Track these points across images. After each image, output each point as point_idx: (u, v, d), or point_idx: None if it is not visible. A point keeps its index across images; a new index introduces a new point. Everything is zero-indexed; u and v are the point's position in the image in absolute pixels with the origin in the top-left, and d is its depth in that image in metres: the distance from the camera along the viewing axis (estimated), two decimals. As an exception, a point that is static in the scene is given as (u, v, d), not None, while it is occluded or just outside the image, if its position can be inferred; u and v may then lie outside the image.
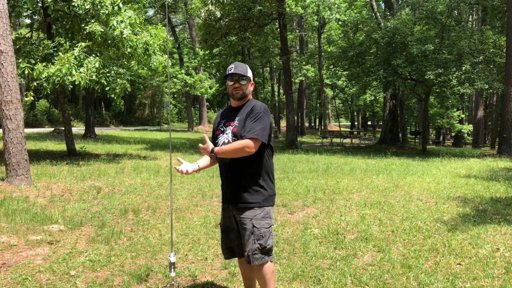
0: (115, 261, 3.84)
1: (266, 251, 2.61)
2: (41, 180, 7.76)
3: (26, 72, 9.22)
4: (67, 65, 8.75)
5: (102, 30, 9.43)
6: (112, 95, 10.04)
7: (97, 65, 9.20)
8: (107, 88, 9.92)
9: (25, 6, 9.77)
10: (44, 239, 4.40)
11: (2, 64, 7.12)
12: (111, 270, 3.63)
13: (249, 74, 2.72)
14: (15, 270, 3.59)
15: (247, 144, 2.53)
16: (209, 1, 18.25)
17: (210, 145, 2.59)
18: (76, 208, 5.76)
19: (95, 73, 9.21)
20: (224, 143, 2.66)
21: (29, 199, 6.25)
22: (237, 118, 2.70)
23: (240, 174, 2.64)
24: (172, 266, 2.96)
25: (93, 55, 9.75)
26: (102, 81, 9.45)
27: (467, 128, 28.23)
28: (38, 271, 3.58)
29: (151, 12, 38.07)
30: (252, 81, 2.78)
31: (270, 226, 2.66)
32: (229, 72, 2.70)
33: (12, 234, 4.55)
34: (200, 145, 2.62)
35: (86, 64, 9.09)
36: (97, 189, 7.07)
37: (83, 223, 5.03)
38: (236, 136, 2.62)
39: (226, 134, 2.70)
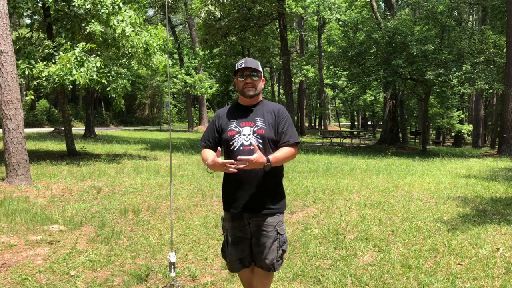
0: (115, 261, 3.84)
1: (283, 255, 2.62)
2: (41, 180, 7.76)
3: (27, 72, 9.23)
4: (68, 65, 8.76)
5: (103, 30, 9.43)
6: (113, 95, 10.05)
7: (98, 64, 9.21)
8: (108, 88, 9.93)
9: (25, 6, 9.78)
10: (44, 239, 4.40)
11: (2, 64, 7.12)
12: (111, 270, 3.63)
13: (260, 69, 2.55)
14: (15, 270, 3.59)
15: (295, 151, 2.50)
16: (209, 1, 18.27)
17: (260, 155, 2.29)
18: (76, 208, 5.76)
19: (96, 73, 9.22)
20: (243, 145, 2.45)
21: (29, 199, 6.25)
22: (258, 119, 2.50)
23: (266, 180, 2.47)
24: (172, 266, 2.95)
25: (94, 55, 9.76)
26: (103, 80, 9.46)
27: (467, 128, 28.25)
28: (38, 271, 3.57)
29: (151, 12, 38.12)
30: (263, 78, 2.59)
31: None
32: (239, 67, 2.49)
33: (12, 234, 4.55)
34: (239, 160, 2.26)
35: (87, 64, 9.11)
36: (97, 189, 7.07)
37: (83, 223, 5.03)
38: (264, 139, 2.45)
39: (244, 135, 2.46)
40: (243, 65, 2.49)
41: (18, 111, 7.33)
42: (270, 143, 2.47)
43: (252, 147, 2.36)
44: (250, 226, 2.55)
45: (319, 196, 6.76)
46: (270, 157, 2.36)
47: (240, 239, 2.55)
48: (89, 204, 6.03)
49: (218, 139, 2.56)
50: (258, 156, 2.28)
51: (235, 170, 2.31)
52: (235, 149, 2.45)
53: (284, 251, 2.58)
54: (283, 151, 2.45)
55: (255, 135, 2.45)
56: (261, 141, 2.44)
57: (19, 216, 5.22)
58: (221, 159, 2.33)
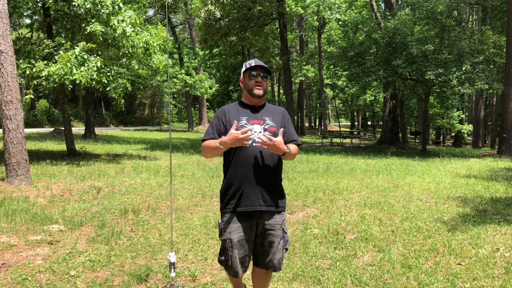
0: (115, 261, 3.84)
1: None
2: (41, 180, 7.76)
3: (27, 72, 9.23)
4: (68, 64, 8.77)
5: (103, 30, 9.43)
6: (114, 95, 10.05)
7: (98, 64, 9.22)
8: (108, 88, 9.94)
9: (26, 6, 9.78)
10: (44, 239, 4.40)
11: (2, 64, 7.12)
12: (111, 270, 3.63)
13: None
14: (15, 270, 3.59)
15: (298, 152, 2.59)
16: (209, 1, 18.27)
17: (282, 140, 2.34)
18: (76, 208, 5.76)
19: (96, 72, 9.22)
20: (255, 141, 2.41)
21: (29, 199, 6.25)
22: (267, 118, 2.51)
23: (274, 177, 2.51)
24: (172, 266, 2.96)
25: (94, 55, 9.76)
26: (103, 80, 9.46)
27: (467, 128, 28.25)
28: (38, 271, 3.57)
29: (151, 12, 38.12)
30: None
31: None
32: (249, 65, 2.47)
33: (12, 234, 4.55)
34: (270, 138, 2.29)
35: (87, 63, 9.11)
36: (97, 189, 7.07)
37: (83, 223, 5.03)
38: (276, 136, 2.40)
39: (255, 132, 2.42)
40: (253, 64, 2.47)
41: (18, 111, 7.32)
42: None
43: (260, 144, 2.39)
44: (257, 226, 2.50)
45: (319, 196, 6.76)
46: (289, 146, 2.42)
47: (245, 242, 2.48)
48: (89, 204, 6.03)
49: (225, 133, 2.43)
50: (281, 140, 2.32)
51: (248, 144, 2.34)
52: (247, 145, 2.41)
53: (287, 249, 2.59)
54: (293, 148, 2.49)
55: (267, 132, 2.43)
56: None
57: (19, 216, 5.22)
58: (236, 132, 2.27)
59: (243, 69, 2.53)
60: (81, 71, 8.96)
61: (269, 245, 2.50)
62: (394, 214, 5.58)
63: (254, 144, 2.41)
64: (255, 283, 2.71)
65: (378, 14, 21.44)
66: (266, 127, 2.46)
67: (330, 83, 38.61)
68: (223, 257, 2.52)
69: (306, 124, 46.72)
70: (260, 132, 2.43)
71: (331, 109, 50.74)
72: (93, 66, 9.14)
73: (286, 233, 2.55)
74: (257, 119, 2.48)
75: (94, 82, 9.38)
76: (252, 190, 2.42)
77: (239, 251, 2.47)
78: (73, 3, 9.26)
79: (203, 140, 2.51)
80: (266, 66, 2.50)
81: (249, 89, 2.49)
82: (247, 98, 2.56)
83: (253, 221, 2.48)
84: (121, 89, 10.05)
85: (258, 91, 2.48)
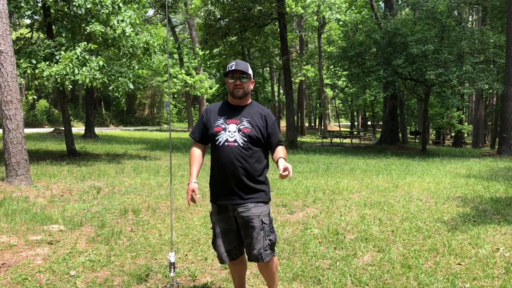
0: (115, 261, 3.84)
1: (273, 246, 2.70)
2: (41, 180, 7.76)
3: (28, 71, 9.23)
4: (70, 65, 8.77)
5: (103, 30, 9.43)
6: (116, 94, 10.06)
7: (101, 63, 9.21)
8: (110, 87, 9.94)
9: (26, 6, 9.78)
10: (44, 239, 4.40)
11: (2, 64, 7.12)
12: (111, 270, 3.63)
13: (250, 71, 2.68)
14: (15, 270, 3.59)
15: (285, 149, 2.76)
16: (209, 1, 18.26)
17: (286, 164, 2.47)
18: (76, 208, 5.76)
19: (98, 72, 9.21)
20: (227, 141, 2.60)
21: (29, 199, 6.25)
22: (244, 118, 2.65)
23: (248, 171, 2.61)
24: (172, 266, 2.96)
25: (94, 55, 9.77)
26: (105, 79, 9.46)
27: (467, 128, 28.25)
28: (38, 271, 3.57)
29: (151, 12, 38.10)
30: (252, 79, 2.73)
31: (272, 221, 2.75)
32: (230, 69, 2.63)
33: (12, 234, 4.55)
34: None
35: (89, 63, 9.10)
36: (97, 189, 7.07)
37: (83, 223, 5.03)
38: (249, 137, 2.61)
39: (229, 132, 2.61)
40: (233, 68, 2.63)
41: (18, 111, 7.32)
42: (254, 142, 2.63)
43: (236, 144, 2.59)
44: (236, 219, 2.68)
45: (319, 196, 6.76)
46: (283, 158, 2.60)
47: (227, 231, 2.72)
48: (89, 204, 6.03)
49: (205, 133, 2.75)
50: (287, 165, 2.46)
51: (192, 202, 2.78)
52: (220, 144, 2.63)
53: (271, 241, 2.67)
54: (281, 149, 2.70)
55: (241, 133, 2.62)
56: (246, 139, 2.62)
57: (19, 216, 5.22)
58: (196, 189, 2.75)
59: (226, 70, 2.69)
60: (83, 71, 8.96)
61: (249, 236, 2.63)
62: (394, 214, 5.58)
63: (226, 143, 2.61)
64: (262, 275, 2.90)
65: (378, 14, 21.43)
66: (241, 127, 2.63)
67: (330, 83, 38.58)
68: (213, 244, 2.81)
69: (306, 124, 46.73)
70: (234, 131, 2.62)
71: (331, 109, 50.75)
72: (96, 65, 9.14)
73: (266, 224, 2.64)
74: (234, 119, 2.66)
75: (96, 82, 9.38)
76: (225, 186, 2.64)
77: (222, 240, 2.72)
78: (73, 3, 9.26)
79: (191, 137, 2.84)
80: (243, 69, 2.62)
81: (230, 90, 2.68)
82: (231, 98, 2.74)
83: (229, 213, 2.68)
84: (122, 88, 10.05)
85: (238, 93, 2.65)
